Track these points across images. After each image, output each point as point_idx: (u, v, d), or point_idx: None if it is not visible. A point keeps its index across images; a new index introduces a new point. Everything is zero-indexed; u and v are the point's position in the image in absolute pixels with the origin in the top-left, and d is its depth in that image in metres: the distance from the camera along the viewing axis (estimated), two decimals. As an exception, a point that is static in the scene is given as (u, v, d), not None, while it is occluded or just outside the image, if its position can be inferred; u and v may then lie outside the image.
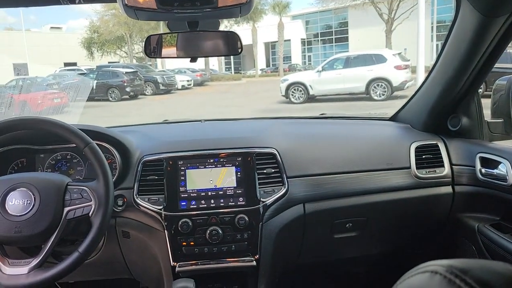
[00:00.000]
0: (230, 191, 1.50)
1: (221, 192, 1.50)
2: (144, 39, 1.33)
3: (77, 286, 1.89)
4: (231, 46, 1.33)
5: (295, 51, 35.86)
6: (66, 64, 27.12)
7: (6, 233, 1.22)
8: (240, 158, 1.54)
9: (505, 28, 1.36)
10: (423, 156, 1.68)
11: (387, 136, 1.82)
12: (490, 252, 1.54)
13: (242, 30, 26.81)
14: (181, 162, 1.52)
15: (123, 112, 12.77)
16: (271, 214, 1.51)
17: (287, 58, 34.14)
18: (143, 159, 1.53)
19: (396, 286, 0.43)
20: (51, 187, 1.28)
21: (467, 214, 1.68)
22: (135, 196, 1.48)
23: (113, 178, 1.38)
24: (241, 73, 32.03)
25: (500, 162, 1.48)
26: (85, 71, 19.06)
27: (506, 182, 1.44)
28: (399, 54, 12.98)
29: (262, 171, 1.54)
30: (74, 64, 27.25)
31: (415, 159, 1.67)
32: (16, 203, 1.24)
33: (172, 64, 24.48)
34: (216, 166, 1.53)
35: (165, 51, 1.35)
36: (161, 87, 18.08)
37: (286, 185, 1.53)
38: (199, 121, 2.01)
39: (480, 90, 1.73)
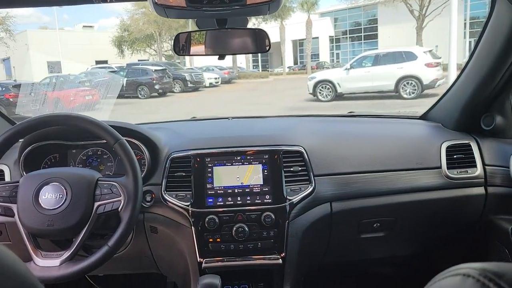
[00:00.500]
0: (256, 188, 1.50)
1: (247, 190, 1.50)
2: (173, 37, 1.35)
3: (106, 279, 1.93)
4: (259, 43, 1.32)
5: (323, 49, 35.53)
6: (97, 62, 27.71)
7: (39, 226, 1.26)
8: (267, 156, 1.54)
9: None
10: (455, 156, 1.64)
11: (417, 135, 1.78)
12: None
13: (270, 27, 26.72)
14: (209, 159, 1.53)
15: (152, 109, 12.96)
16: (298, 212, 1.50)
17: (315, 55, 33.88)
18: (171, 155, 1.55)
19: None
20: (82, 182, 1.31)
21: (500, 216, 1.63)
22: (163, 192, 1.50)
23: (142, 174, 1.40)
24: (268, 70, 31.95)
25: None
26: (116, 69, 19.42)
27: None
28: (430, 51, 12.67)
29: (289, 169, 1.53)
30: (105, 62, 27.83)
31: (446, 158, 1.63)
32: (49, 197, 1.28)
33: (200, 61, 24.64)
34: (243, 164, 1.53)
35: (193, 48, 1.36)
36: (189, 85, 18.23)
37: (313, 184, 1.52)
38: (227, 118, 2.02)
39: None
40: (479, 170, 1.62)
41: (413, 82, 11.80)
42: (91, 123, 1.33)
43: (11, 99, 10.50)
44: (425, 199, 1.62)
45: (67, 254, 1.27)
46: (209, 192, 1.49)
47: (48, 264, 1.26)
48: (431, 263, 1.97)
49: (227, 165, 1.53)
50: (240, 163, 1.53)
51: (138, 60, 27.68)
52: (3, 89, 11.33)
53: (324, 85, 12.95)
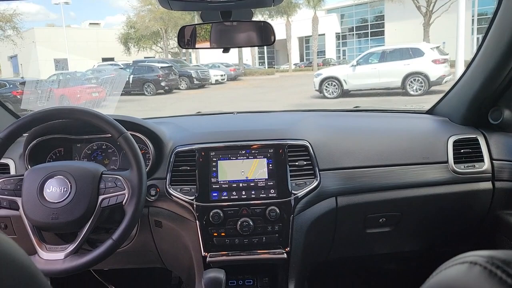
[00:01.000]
0: (261, 183, 1.49)
1: (252, 184, 1.49)
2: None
3: (111, 274, 1.93)
4: (264, 36, 1.32)
5: (329, 46, 35.40)
6: (104, 59, 27.82)
7: (43, 219, 1.26)
8: (272, 150, 1.53)
9: None
10: (462, 150, 1.62)
11: (423, 130, 1.76)
12: None
13: (276, 24, 26.62)
14: (213, 153, 1.53)
15: (158, 106, 12.98)
16: (303, 207, 1.49)
17: (321, 52, 33.75)
18: (175, 149, 1.55)
19: (432, 277, 0.41)
20: (87, 176, 1.31)
21: (508, 211, 1.61)
22: (167, 186, 1.50)
23: (146, 168, 1.40)
24: (274, 67, 31.92)
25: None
26: (122, 66, 19.47)
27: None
28: (437, 47, 12.58)
29: (294, 163, 1.52)
30: (112, 59, 27.93)
31: (453, 153, 1.61)
32: (53, 190, 1.28)
33: (206, 58, 24.67)
34: (247, 158, 1.52)
35: (198, 42, 1.36)
36: (195, 82, 18.25)
37: (318, 178, 1.51)
38: (232, 113, 2.01)
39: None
40: (486, 165, 1.61)
41: (420, 78, 11.73)
42: (96, 117, 1.33)
43: (18, 96, 10.56)
44: (431, 194, 1.61)
45: (71, 247, 1.27)
46: (213, 186, 1.49)
47: (52, 257, 1.26)
48: (437, 259, 1.95)
49: (232, 159, 1.52)
50: (245, 157, 1.52)
51: (145, 57, 27.75)
52: (11, 86, 11.40)
53: (330, 82, 12.91)
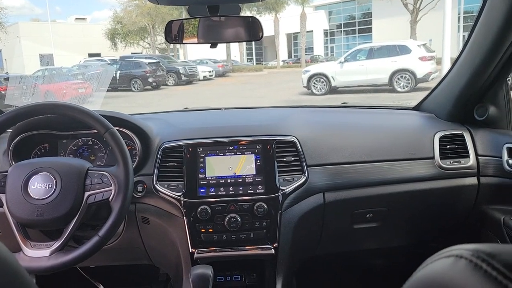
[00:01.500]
0: (249, 178, 1.49)
1: (240, 180, 1.49)
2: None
3: (98, 271, 1.91)
4: (252, 31, 1.31)
5: (317, 42, 35.50)
6: (90, 55, 27.53)
7: (28, 216, 1.24)
8: (259, 146, 1.53)
9: None
10: (448, 146, 1.64)
11: (410, 126, 1.78)
12: None
13: (264, 20, 26.60)
14: (201, 149, 1.52)
15: (145, 102, 12.89)
16: (290, 202, 1.49)
17: (309, 49, 33.86)
18: (163, 145, 1.53)
19: (418, 271, 0.41)
20: (72, 172, 1.29)
21: (493, 206, 1.63)
22: (154, 183, 1.48)
23: (133, 164, 1.38)
24: (262, 64, 31.92)
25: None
26: (109, 62, 19.29)
27: (535, 173, 1.39)
28: (424, 45, 12.70)
29: (282, 159, 1.52)
30: (98, 55, 27.64)
31: (439, 149, 1.63)
32: (38, 186, 1.26)
33: (194, 54, 24.56)
34: (235, 154, 1.52)
35: (186, 37, 1.34)
36: (183, 78, 18.19)
37: (306, 174, 1.51)
38: (219, 109, 2.00)
39: (509, 80, 1.68)
40: (472, 160, 1.63)
41: (407, 75, 11.84)
42: (81, 112, 1.31)
43: (2, 92, 10.39)
44: (417, 189, 1.62)
45: (57, 244, 1.25)
46: (201, 182, 1.48)
47: (37, 254, 1.24)
48: (424, 254, 1.97)
49: (220, 155, 1.52)
50: (232, 153, 1.52)
51: (132, 53, 27.52)
52: (-5, 81, 11.21)
53: (318, 79, 12.95)
